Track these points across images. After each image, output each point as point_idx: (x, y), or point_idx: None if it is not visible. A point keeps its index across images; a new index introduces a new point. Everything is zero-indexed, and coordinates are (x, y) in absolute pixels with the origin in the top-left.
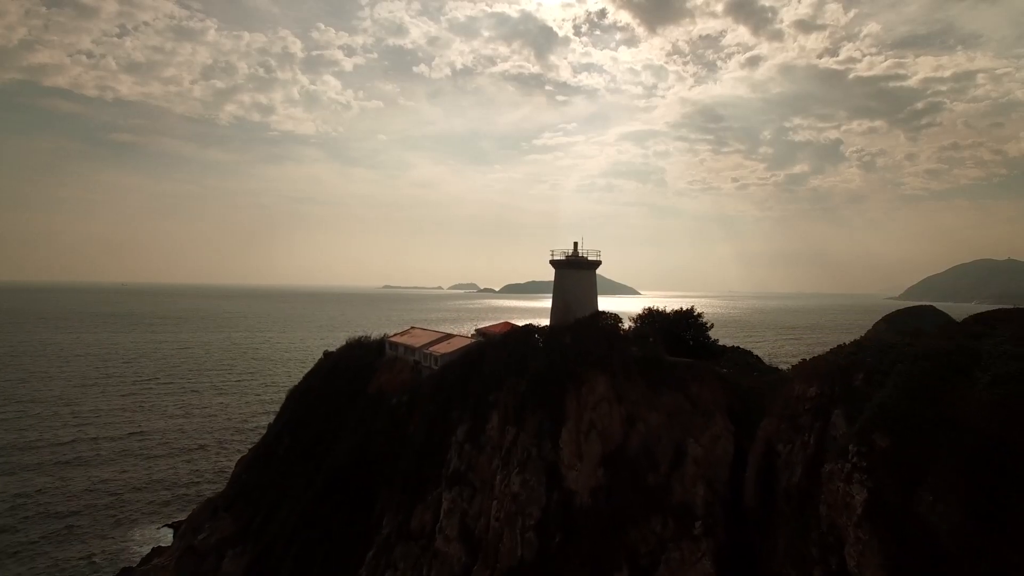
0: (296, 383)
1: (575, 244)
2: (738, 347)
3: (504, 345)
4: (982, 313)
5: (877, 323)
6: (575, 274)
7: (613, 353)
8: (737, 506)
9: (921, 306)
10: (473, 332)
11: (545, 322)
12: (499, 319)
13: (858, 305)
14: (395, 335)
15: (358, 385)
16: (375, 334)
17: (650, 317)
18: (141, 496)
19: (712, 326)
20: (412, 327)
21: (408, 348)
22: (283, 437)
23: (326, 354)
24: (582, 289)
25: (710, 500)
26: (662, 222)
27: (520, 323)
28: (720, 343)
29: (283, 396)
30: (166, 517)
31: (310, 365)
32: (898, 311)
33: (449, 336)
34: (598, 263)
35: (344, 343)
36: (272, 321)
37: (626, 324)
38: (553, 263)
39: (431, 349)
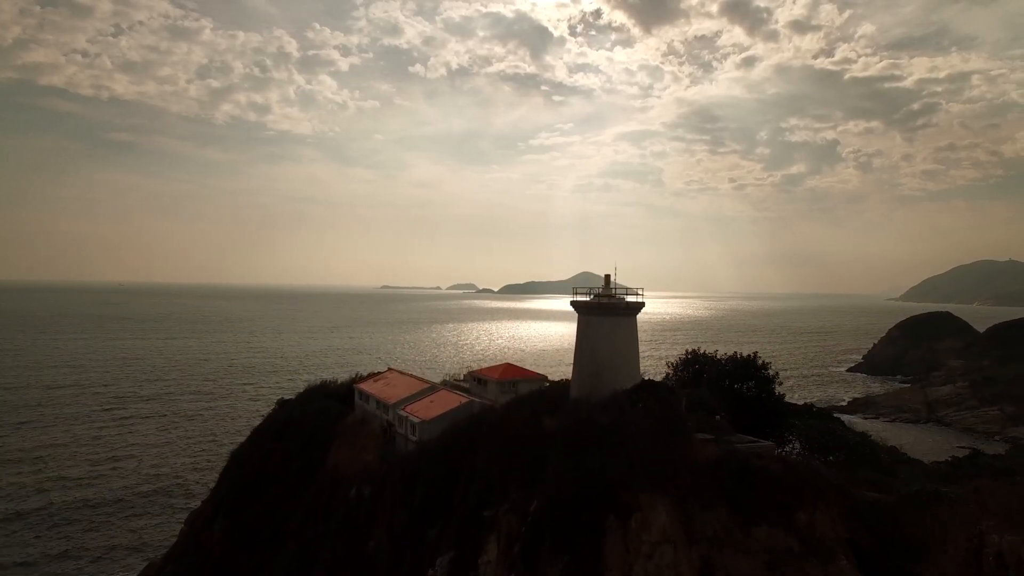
0: (252, 432)
1: (607, 278)
2: (812, 405)
3: (505, 429)
4: None
5: (891, 329)
6: (608, 323)
7: (675, 454)
8: None
9: (937, 312)
10: (466, 374)
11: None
12: (497, 321)
13: (859, 306)
14: (367, 380)
15: (313, 454)
16: (342, 376)
17: (695, 363)
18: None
19: (779, 379)
20: (390, 368)
21: (381, 403)
22: (218, 518)
23: (280, 403)
24: (619, 344)
25: None
26: (660, 222)
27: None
28: (787, 398)
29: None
30: None
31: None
32: (913, 317)
33: (432, 389)
34: (640, 306)
35: (304, 388)
36: (267, 323)
37: (661, 369)
38: (576, 306)
39: (408, 410)
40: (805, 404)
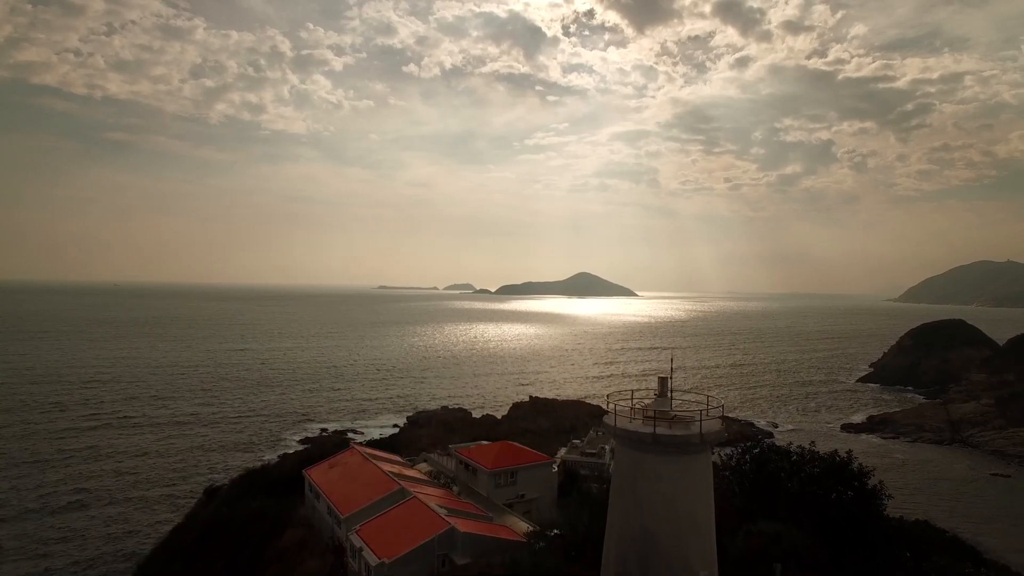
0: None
1: (662, 383)
2: (925, 522)
3: None
4: None
5: (902, 337)
6: (670, 467)
7: None
8: None
9: (950, 319)
10: (452, 448)
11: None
12: (495, 323)
13: (859, 307)
14: (321, 464)
15: None
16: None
17: (763, 462)
18: None
19: (887, 491)
20: (352, 447)
21: (332, 510)
22: None
23: (208, 494)
24: (685, 504)
25: None
26: (656, 222)
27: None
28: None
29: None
30: None
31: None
32: (925, 325)
33: (402, 494)
34: (719, 435)
35: (243, 473)
36: (261, 326)
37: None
38: (618, 436)
39: (364, 535)
40: (916, 521)
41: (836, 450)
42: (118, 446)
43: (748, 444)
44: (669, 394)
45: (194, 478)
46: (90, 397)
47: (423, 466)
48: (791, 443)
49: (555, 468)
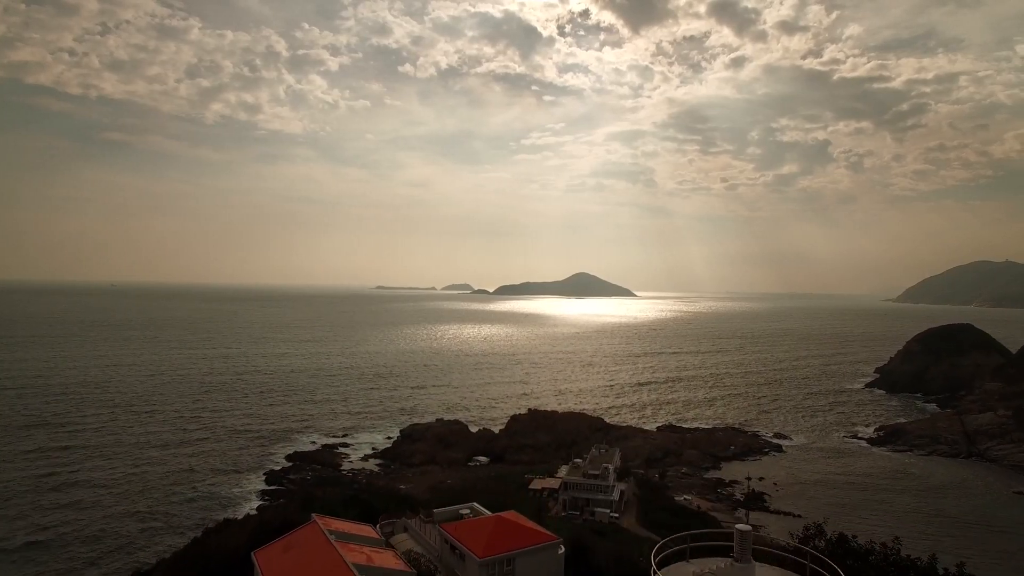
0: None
1: (741, 538)
2: None
3: None
4: None
5: (909, 342)
6: None
7: None
8: None
9: (958, 324)
10: (436, 517)
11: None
12: (493, 325)
13: (858, 308)
14: (275, 544)
15: None
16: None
17: (840, 551)
18: None
19: None
20: (314, 519)
21: None
22: None
23: None
24: None
25: None
26: (653, 222)
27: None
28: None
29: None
30: None
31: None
32: (931, 330)
33: None
34: None
35: (184, 547)
36: (257, 329)
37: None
38: None
39: None
40: None
41: (918, 559)
42: (93, 468)
43: (808, 532)
44: (751, 557)
45: (175, 506)
46: (75, 408)
47: (402, 538)
48: (856, 536)
49: (561, 549)
